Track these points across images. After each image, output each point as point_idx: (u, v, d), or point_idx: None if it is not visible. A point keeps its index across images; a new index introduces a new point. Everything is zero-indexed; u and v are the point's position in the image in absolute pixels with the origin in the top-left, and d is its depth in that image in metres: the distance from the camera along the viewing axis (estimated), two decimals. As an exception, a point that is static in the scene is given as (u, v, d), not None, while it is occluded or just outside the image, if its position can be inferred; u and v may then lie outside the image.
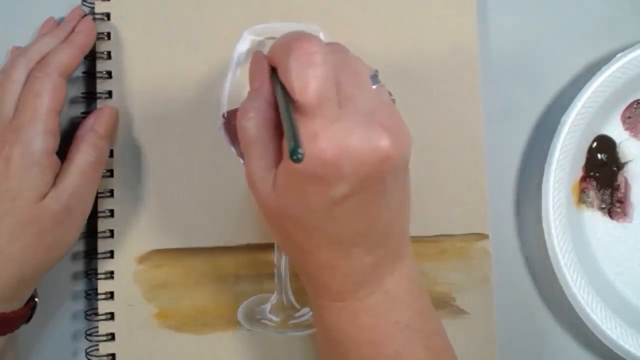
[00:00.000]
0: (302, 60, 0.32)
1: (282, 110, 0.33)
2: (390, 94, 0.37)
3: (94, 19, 0.48)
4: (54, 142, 0.43)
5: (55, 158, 0.43)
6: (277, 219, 0.36)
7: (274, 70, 0.36)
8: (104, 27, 0.48)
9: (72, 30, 0.47)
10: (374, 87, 0.35)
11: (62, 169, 0.43)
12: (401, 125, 0.35)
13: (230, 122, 0.46)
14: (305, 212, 0.34)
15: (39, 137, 0.42)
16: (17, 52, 0.46)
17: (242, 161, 0.47)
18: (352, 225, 0.35)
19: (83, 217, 0.44)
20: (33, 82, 0.43)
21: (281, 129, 0.34)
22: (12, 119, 0.42)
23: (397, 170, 0.35)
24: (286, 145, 0.32)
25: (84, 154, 0.44)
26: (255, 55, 0.38)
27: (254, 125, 0.35)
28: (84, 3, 0.49)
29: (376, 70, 0.36)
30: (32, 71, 0.43)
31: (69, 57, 0.45)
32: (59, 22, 0.48)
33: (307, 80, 0.32)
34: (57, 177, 0.43)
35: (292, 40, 0.33)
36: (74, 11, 0.48)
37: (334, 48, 0.36)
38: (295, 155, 0.29)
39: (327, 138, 0.32)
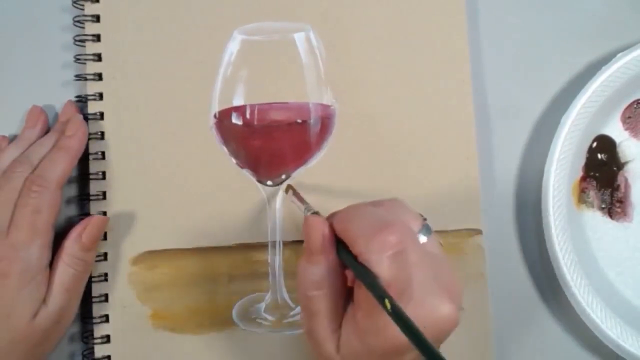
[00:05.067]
0: (385, 253, 0.34)
1: (387, 304, 0.33)
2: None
3: (86, 107, 0.48)
4: (49, 256, 0.43)
5: (48, 271, 0.43)
6: None
7: (339, 243, 0.37)
8: (93, 29, 0.48)
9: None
10: (426, 239, 0.37)
11: (50, 283, 0.43)
12: (455, 282, 0.37)
13: (222, 121, 0.46)
14: None
15: (38, 254, 0.42)
16: (11, 152, 0.45)
17: (234, 160, 0.47)
18: None
19: (70, 321, 0.45)
20: (30, 195, 0.42)
21: (345, 294, 0.38)
22: (8, 234, 0.42)
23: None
24: (363, 321, 0.35)
25: (70, 269, 0.44)
26: (314, 221, 0.38)
27: (323, 295, 0.37)
28: (75, 4, 0.48)
29: (425, 220, 0.38)
30: (28, 182, 0.43)
31: (65, 166, 0.45)
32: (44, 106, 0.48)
33: (392, 273, 0.34)
34: (46, 292, 0.43)
35: (374, 232, 0.35)
36: (66, 107, 0.48)
37: (392, 209, 0.38)
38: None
39: None
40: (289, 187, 0.47)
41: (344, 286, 0.38)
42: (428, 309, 0.34)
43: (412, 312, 0.33)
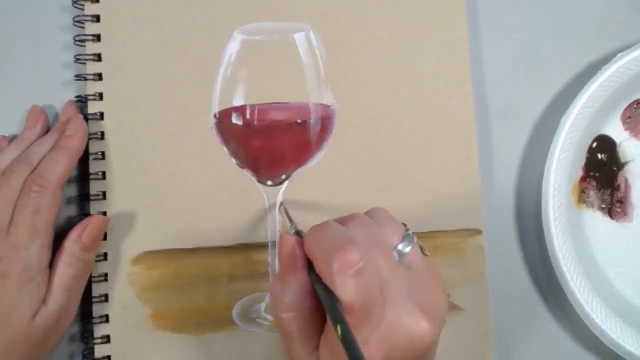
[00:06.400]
0: (346, 272, 0.32)
1: (339, 329, 0.32)
2: (422, 248, 0.37)
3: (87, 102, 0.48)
4: (49, 256, 0.43)
5: (48, 271, 0.43)
6: None
7: (310, 263, 0.36)
8: (93, 29, 0.48)
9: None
10: (409, 249, 0.36)
11: (50, 283, 0.43)
12: (436, 295, 0.35)
13: (222, 121, 0.46)
14: None
15: (38, 254, 0.42)
16: (11, 152, 0.45)
17: (234, 160, 0.47)
18: None
19: (69, 321, 0.45)
20: (30, 195, 0.42)
21: (320, 314, 0.36)
22: (8, 234, 0.42)
23: (435, 343, 0.35)
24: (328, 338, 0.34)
25: (70, 269, 0.44)
26: (286, 241, 0.37)
27: (295, 317, 0.36)
28: (75, 4, 0.48)
29: (407, 229, 0.37)
30: (28, 182, 0.43)
31: (66, 166, 0.45)
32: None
33: (355, 293, 0.32)
34: (45, 292, 0.43)
35: (333, 250, 0.33)
36: (66, 107, 0.48)
37: (364, 223, 0.36)
38: None
39: (375, 341, 0.33)
40: (282, 204, 0.47)
41: (318, 307, 0.36)
42: (402, 329, 0.33)
43: (384, 334, 0.33)
